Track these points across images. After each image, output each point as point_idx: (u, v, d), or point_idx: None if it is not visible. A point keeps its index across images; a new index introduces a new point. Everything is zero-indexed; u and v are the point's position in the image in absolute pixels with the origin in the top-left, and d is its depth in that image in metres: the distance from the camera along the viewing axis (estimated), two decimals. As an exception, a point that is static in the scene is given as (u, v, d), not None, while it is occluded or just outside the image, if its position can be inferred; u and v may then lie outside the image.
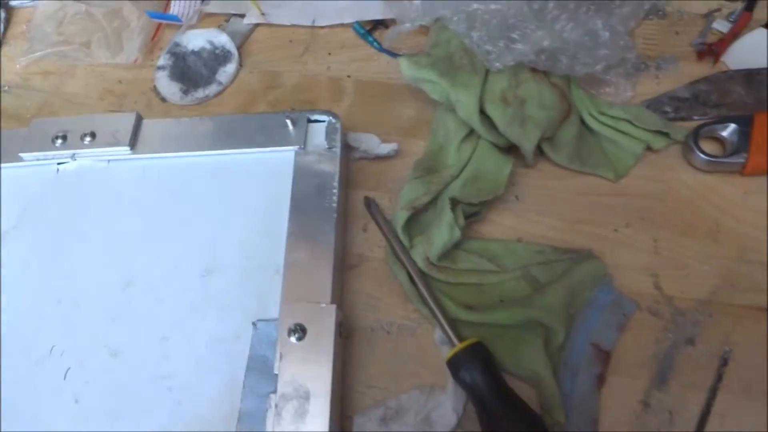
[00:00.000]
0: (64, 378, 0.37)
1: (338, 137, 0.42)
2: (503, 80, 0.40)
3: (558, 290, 0.37)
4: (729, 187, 0.40)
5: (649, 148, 0.42)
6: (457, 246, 0.40)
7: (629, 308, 0.38)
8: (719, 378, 0.35)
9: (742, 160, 0.40)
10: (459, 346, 0.36)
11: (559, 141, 0.41)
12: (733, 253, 0.39)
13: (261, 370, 0.36)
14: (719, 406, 0.35)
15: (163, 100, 0.50)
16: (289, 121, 0.42)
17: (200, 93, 0.49)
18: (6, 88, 0.53)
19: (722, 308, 0.37)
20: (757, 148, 0.39)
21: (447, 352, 0.37)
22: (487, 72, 0.41)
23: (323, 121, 0.43)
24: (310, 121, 0.43)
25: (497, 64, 0.40)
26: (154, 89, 0.50)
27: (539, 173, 0.43)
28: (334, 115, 0.43)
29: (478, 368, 0.35)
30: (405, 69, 0.42)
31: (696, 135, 0.41)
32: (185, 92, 0.49)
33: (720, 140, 0.41)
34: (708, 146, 0.41)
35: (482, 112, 0.40)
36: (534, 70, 0.41)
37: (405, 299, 0.40)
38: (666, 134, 0.41)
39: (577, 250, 0.39)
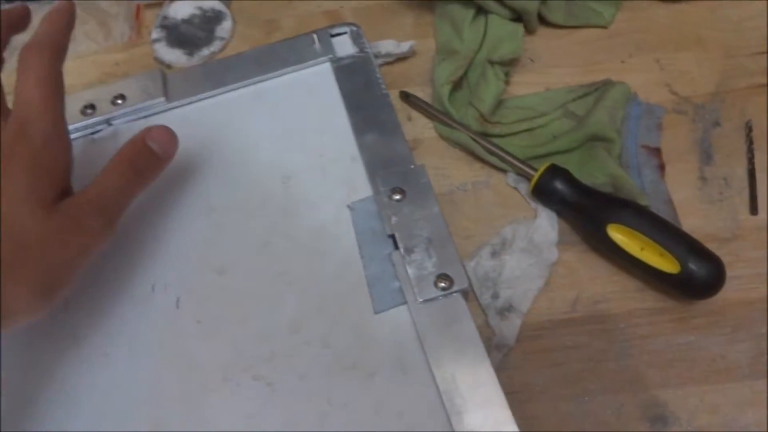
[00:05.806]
0: (177, 307, 0.37)
1: (365, 41, 0.45)
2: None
3: (600, 110, 0.42)
4: (700, 6, 0.48)
5: (625, -5, 0.49)
6: (498, 106, 0.44)
7: (659, 112, 0.43)
8: (750, 141, 0.41)
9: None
10: (538, 172, 0.39)
11: (551, 3, 0.47)
12: (720, 53, 0.46)
13: (372, 239, 0.37)
14: (758, 163, 0.41)
15: (169, 66, 0.50)
16: (315, 37, 0.45)
17: (205, 51, 0.50)
18: (-6, 97, 0.51)
19: (730, 93, 0.44)
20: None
21: (524, 189, 0.41)
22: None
23: (345, 33, 0.46)
24: (332, 35, 0.46)
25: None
26: (156, 59, 0.51)
27: (542, 38, 0.48)
28: (353, 24, 0.46)
29: (563, 181, 0.39)
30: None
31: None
32: (190, 54, 0.50)
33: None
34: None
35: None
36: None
37: (469, 161, 0.43)
38: (635, -21, 0.48)
39: (599, 82, 0.45)
